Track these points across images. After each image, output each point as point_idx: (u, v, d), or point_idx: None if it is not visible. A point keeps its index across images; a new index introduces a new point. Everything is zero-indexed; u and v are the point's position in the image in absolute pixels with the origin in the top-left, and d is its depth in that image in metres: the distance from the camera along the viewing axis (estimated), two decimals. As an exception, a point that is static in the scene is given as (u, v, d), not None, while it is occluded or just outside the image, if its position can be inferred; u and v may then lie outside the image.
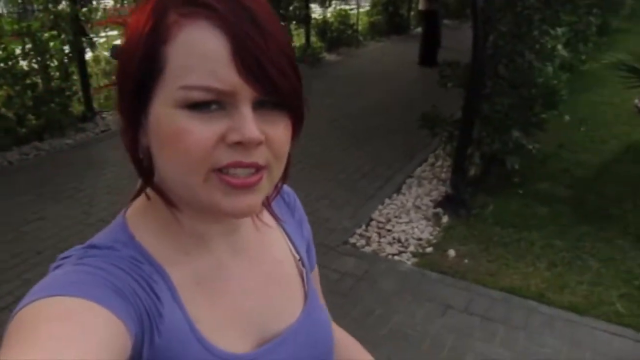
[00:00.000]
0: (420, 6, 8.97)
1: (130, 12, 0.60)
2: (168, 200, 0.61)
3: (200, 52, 0.53)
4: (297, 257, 0.79)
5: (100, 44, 6.61)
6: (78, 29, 5.86)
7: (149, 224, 0.64)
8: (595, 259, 3.58)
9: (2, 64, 5.24)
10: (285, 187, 0.82)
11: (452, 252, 3.68)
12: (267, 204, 0.74)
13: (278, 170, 0.61)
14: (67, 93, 5.88)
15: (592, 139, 5.88)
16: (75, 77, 6.07)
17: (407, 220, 4.12)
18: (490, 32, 3.89)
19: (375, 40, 11.76)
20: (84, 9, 5.95)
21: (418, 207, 4.33)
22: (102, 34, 6.92)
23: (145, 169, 0.61)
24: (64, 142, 5.63)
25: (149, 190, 0.63)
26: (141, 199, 0.65)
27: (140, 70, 0.55)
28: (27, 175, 4.87)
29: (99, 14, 6.16)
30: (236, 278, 0.68)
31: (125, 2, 6.43)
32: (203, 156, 0.54)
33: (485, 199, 4.37)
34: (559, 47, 5.14)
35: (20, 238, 3.77)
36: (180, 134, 0.54)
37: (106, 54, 6.63)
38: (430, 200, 4.41)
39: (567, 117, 4.78)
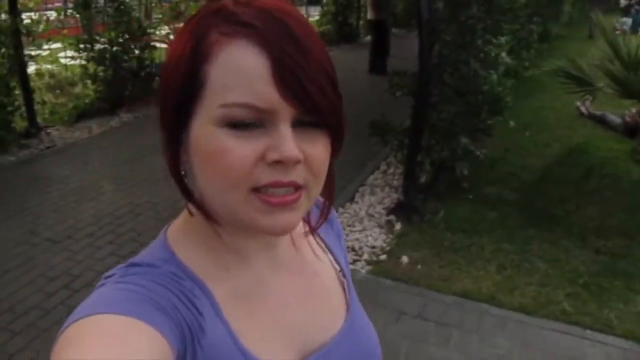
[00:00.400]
0: (369, 16, 9.11)
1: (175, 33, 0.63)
2: (209, 216, 0.62)
3: (240, 71, 0.53)
4: (338, 268, 0.80)
5: (42, 57, 6.41)
6: (19, 42, 5.67)
7: (189, 240, 0.65)
8: (542, 260, 3.70)
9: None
10: (321, 200, 0.82)
11: (405, 259, 3.73)
12: (314, 231, 0.75)
13: (316, 189, 0.61)
14: (9, 108, 5.66)
15: (536, 143, 6.09)
16: (17, 91, 5.86)
17: (360, 229, 4.15)
18: (435, 41, 3.98)
19: (325, 49, 11.85)
20: (26, 22, 5.78)
21: (371, 215, 4.37)
22: (45, 46, 6.72)
23: (186, 186, 0.62)
24: (7, 159, 5.42)
25: (190, 206, 0.64)
26: (181, 216, 0.67)
27: (182, 88, 0.56)
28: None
29: (41, 26, 5.98)
30: (276, 293, 0.69)
31: (69, 13, 6.26)
32: (243, 175, 0.55)
33: (436, 205, 4.46)
34: (503, 54, 5.31)
35: (-39, 261, 3.60)
36: (221, 153, 0.55)
37: (49, 66, 6.43)
38: (383, 208, 4.47)
39: (512, 123, 4.92)
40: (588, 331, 3.04)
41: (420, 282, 3.48)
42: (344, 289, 0.79)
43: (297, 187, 0.57)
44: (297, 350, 0.68)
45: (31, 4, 6.85)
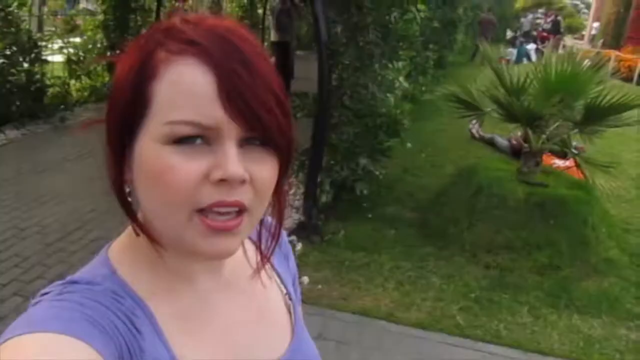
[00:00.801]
0: (272, 37, 9.18)
1: (122, 51, 0.62)
2: (151, 238, 0.60)
3: (185, 88, 0.54)
4: (284, 291, 0.79)
5: None
6: None
7: (131, 259, 0.63)
8: (437, 276, 3.84)
9: None
10: (270, 219, 0.79)
11: (306, 279, 3.73)
12: (267, 258, 0.73)
13: (260, 212, 0.60)
14: None
15: (433, 163, 6.38)
16: None
17: (262, 250, 4.11)
18: (334, 64, 4.08)
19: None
20: None
21: (273, 236, 4.34)
22: None
23: (130, 206, 0.61)
24: None
25: (135, 227, 0.62)
26: (124, 234, 0.65)
27: (127, 105, 0.56)
28: None
29: None
30: (221, 313, 0.68)
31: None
32: (186, 194, 0.54)
33: (337, 225, 4.52)
34: (401, 79, 5.55)
35: None
36: (165, 171, 0.54)
37: None
38: (285, 229, 4.45)
39: (409, 144, 5.13)
40: (479, 343, 3.19)
41: (321, 301, 3.48)
42: (289, 312, 0.78)
43: (241, 208, 0.56)
44: None
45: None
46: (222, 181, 0.54)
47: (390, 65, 4.19)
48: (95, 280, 0.59)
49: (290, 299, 0.79)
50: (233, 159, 0.54)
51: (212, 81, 0.53)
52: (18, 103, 6.49)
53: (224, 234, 0.57)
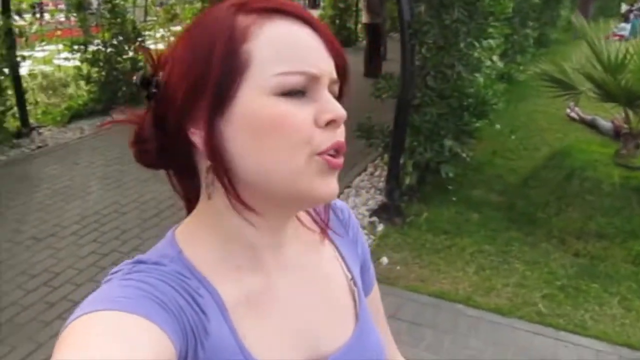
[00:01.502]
0: (364, 19, 9.14)
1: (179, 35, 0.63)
2: (243, 202, 0.61)
3: (288, 42, 0.58)
4: (349, 276, 0.78)
5: (36, 58, 6.46)
6: (12, 43, 5.72)
7: (198, 239, 0.64)
8: (521, 262, 3.71)
9: None
10: (339, 203, 0.83)
11: (385, 260, 3.75)
12: (320, 220, 0.76)
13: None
14: (1, 109, 5.71)
15: (526, 146, 6.10)
16: (10, 92, 5.91)
17: (343, 230, 4.17)
18: (417, 44, 4.01)
19: (323, 52, 11.91)
20: (20, 23, 5.83)
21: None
22: (38, 48, 6.77)
23: (231, 176, 0.60)
24: (-4, 158, 5.48)
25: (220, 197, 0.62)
26: (191, 215, 0.67)
27: (222, 71, 0.56)
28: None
29: (34, 27, 6.02)
30: (285, 296, 0.68)
31: (62, 15, 6.31)
32: (306, 137, 0.57)
33: (420, 207, 4.47)
34: (494, 58, 5.34)
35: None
36: (283, 118, 0.57)
37: (43, 67, 6.48)
38: (367, 210, 4.49)
39: (497, 126, 4.95)
40: (562, 332, 3.06)
41: (398, 282, 3.49)
42: (354, 299, 0.76)
43: (344, 149, 0.60)
44: (303, 356, 0.67)
45: (24, 5, 6.91)
46: (330, 123, 0.58)
47: (476, 44, 4.04)
48: (162, 261, 0.60)
49: (355, 284, 0.77)
50: (336, 102, 0.59)
51: (312, 34, 0.59)
52: (124, 89, 6.99)
53: (333, 172, 0.60)
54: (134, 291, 0.54)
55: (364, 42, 10.26)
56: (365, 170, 5.34)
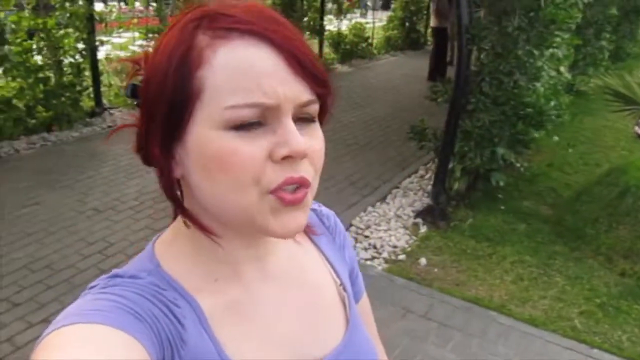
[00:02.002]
0: (432, 23, 9.11)
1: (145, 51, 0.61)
2: (203, 227, 0.61)
3: (242, 69, 0.53)
4: (338, 281, 0.76)
5: (113, 44, 6.85)
6: (92, 28, 6.11)
7: (176, 252, 0.64)
8: (562, 276, 3.65)
9: (17, 57, 5.50)
10: (325, 210, 0.83)
11: (423, 261, 3.78)
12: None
13: (316, 185, 0.60)
14: (78, 88, 6.12)
15: (587, 161, 5.93)
16: (87, 73, 6.31)
17: (385, 228, 4.23)
18: (474, 50, 4.01)
19: (390, 54, 11.91)
20: (100, 9, 6.22)
21: (399, 217, 4.43)
22: (116, 34, 7.17)
23: (180, 200, 0.61)
24: (71, 135, 5.87)
25: (184, 219, 0.63)
26: (170, 228, 0.66)
27: (174, 97, 0.54)
28: (31, 163, 5.11)
29: (114, 15, 6.40)
30: (268, 304, 0.67)
31: (139, 3, 6.67)
32: (254, 175, 0.54)
33: (466, 213, 4.46)
34: (562, 69, 5.23)
35: (14, 221, 3.97)
36: (230, 156, 0.54)
37: (119, 53, 6.87)
38: (412, 211, 4.52)
39: (555, 138, 4.84)
40: (595, 350, 3.00)
41: (433, 284, 3.52)
42: (344, 304, 0.75)
43: (306, 183, 0.57)
44: None
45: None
46: (287, 158, 0.54)
47: (535, 52, 3.98)
48: (139, 275, 0.60)
49: (345, 290, 0.76)
50: (295, 134, 0.54)
51: (271, 52, 0.53)
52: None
53: (293, 208, 0.57)
54: (108, 304, 0.54)
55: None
56: (416, 172, 5.37)
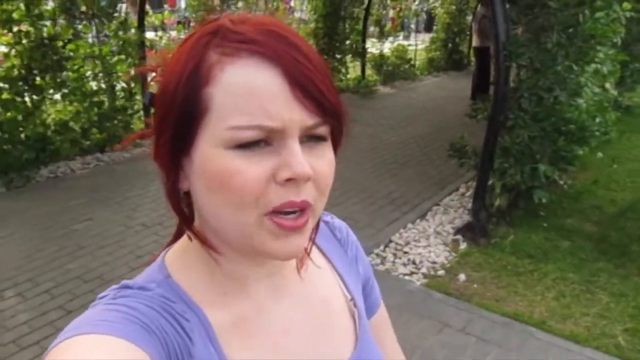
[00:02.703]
0: (474, 43, 9.11)
1: (163, 55, 0.61)
2: (207, 243, 0.61)
3: (247, 90, 0.52)
4: (349, 296, 0.76)
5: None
6: (143, 54, 6.43)
7: (187, 264, 0.64)
8: (606, 293, 3.57)
9: (74, 83, 5.85)
10: (337, 222, 0.82)
11: (462, 277, 3.77)
12: (312, 240, 0.70)
13: (321, 207, 0.60)
14: (130, 112, 6.43)
15: (634, 179, 5.77)
16: (138, 97, 6.62)
17: (425, 245, 4.25)
18: (513, 66, 4.03)
19: (432, 75, 11.95)
20: (151, 37, 6.54)
21: (439, 233, 4.44)
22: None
23: (185, 214, 0.62)
24: (123, 155, 6.15)
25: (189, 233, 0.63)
26: (181, 240, 0.66)
27: (182, 113, 0.54)
28: (85, 182, 5.39)
29: (163, 41, 6.72)
30: (276, 319, 0.66)
31: (187, 31, 6.96)
32: (255, 197, 0.54)
33: (507, 230, 4.43)
34: (607, 85, 5.16)
35: (69, 235, 4.20)
36: (231, 175, 0.53)
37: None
38: (452, 228, 4.52)
39: (599, 154, 4.77)
40: (640, 368, 2.93)
41: (472, 299, 3.51)
42: (354, 320, 0.75)
43: (306, 207, 0.57)
44: None
45: (156, 22, 7.71)
46: (289, 180, 0.54)
47: (575, 67, 3.97)
48: (148, 286, 0.60)
49: (355, 305, 0.75)
50: (299, 157, 0.53)
51: (277, 76, 0.53)
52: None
53: (293, 233, 0.56)
54: (118, 314, 0.54)
55: (475, 66, 10.18)
56: (457, 190, 5.36)
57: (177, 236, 0.68)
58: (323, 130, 0.56)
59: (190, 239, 0.63)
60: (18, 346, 2.93)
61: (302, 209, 0.56)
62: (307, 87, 0.53)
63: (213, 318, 0.61)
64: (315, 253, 0.75)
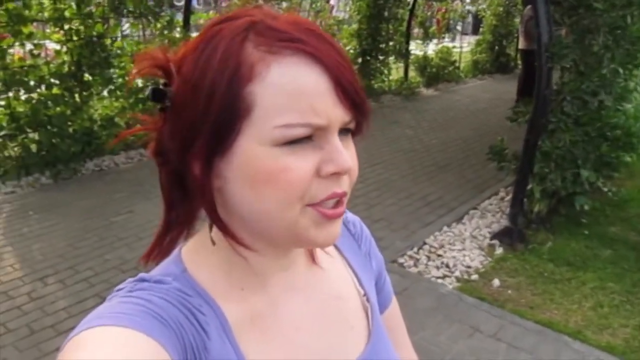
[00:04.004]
0: (520, 45, 8.89)
1: (184, 47, 0.59)
2: (238, 240, 0.61)
3: (294, 88, 0.53)
4: (362, 292, 0.77)
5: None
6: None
7: (203, 259, 0.64)
8: (648, 305, 3.45)
9: (120, 80, 6.03)
10: (351, 217, 0.83)
11: (496, 282, 3.70)
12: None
13: (348, 197, 0.62)
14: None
15: (685, 188, 5.54)
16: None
17: (460, 248, 4.19)
18: (554, 68, 3.93)
19: (477, 78, 11.74)
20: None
21: (474, 237, 4.37)
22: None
23: (218, 214, 0.60)
24: (163, 152, 6.29)
25: (214, 233, 0.63)
26: (198, 234, 0.66)
27: (223, 113, 0.54)
28: (128, 175, 5.55)
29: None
30: (291, 314, 0.67)
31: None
32: (303, 192, 0.55)
33: (546, 236, 4.32)
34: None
35: (109, 227, 4.34)
36: (280, 172, 0.54)
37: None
38: (489, 232, 4.44)
39: (645, 161, 4.60)
40: (680, 384, 2.81)
41: (506, 305, 3.44)
42: (367, 315, 0.75)
43: (344, 197, 0.59)
44: None
45: (201, 21, 7.86)
46: (334, 174, 0.56)
47: (621, 71, 3.84)
48: (164, 279, 0.60)
49: (368, 300, 0.76)
50: (343, 152, 0.56)
51: (322, 75, 0.54)
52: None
53: (333, 221, 0.59)
54: (134, 307, 0.54)
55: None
56: (496, 194, 5.26)
57: (163, 233, 0.65)
58: (352, 124, 0.59)
59: (213, 243, 0.63)
60: (56, 331, 3.04)
61: (341, 198, 0.59)
62: (347, 86, 0.55)
63: (229, 312, 0.62)
64: (329, 248, 0.75)
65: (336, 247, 0.77)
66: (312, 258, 0.73)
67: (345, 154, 0.56)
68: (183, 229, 0.65)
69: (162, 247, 0.66)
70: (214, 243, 0.63)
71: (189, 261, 0.64)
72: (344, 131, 0.58)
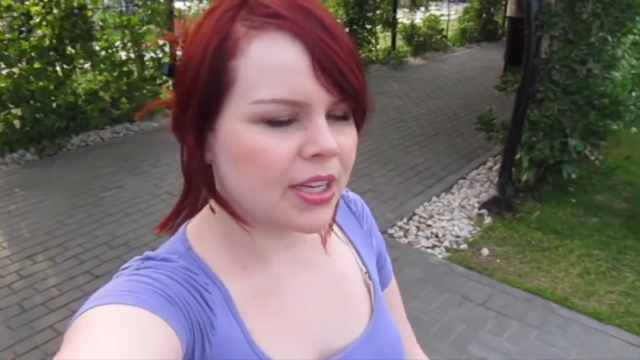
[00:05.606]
0: (508, 12, 8.83)
1: (184, 25, 0.60)
2: (234, 214, 0.61)
3: (273, 64, 0.52)
4: (364, 269, 0.77)
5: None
6: (172, 25, 6.44)
7: (208, 236, 0.65)
8: (633, 272, 3.50)
9: (103, 52, 5.91)
10: (352, 195, 0.83)
11: (485, 251, 3.74)
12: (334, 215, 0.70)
13: (344, 182, 0.61)
14: (159, 81, 6.47)
15: (672, 156, 5.59)
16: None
17: (449, 218, 4.22)
18: (543, 37, 3.90)
19: (465, 46, 11.67)
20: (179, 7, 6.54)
21: (463, 207, 4.40)
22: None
23: (215, 187, 0.61)
24: (151, 125, 6.23)
25: (213, 205, 0.63)
26: (202, 212, 0.66)
27: (208, 86, 0.54)
28: (115, 150, 5.49)
29: (192, 12, 6.70)
30: (295, 292, 0.68)
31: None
32: (281, 173, 0.54)
33: (534, 205, 4.36)
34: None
35: (98, 202, 4.31)
36: (258, 151, 0.54)
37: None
38: (478, 202, 4.47)
39: (633, 129, 4.61)
40: (664, 347, 2.88)
41: (495, 274, 3.49)
42: (369, 292, 0.76)
43: (332, 181, 0.57)
44: (313, 352, 0.67)
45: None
46: (316, 156, 0.54)
47: (609, 39, 3.82)
48: (170, 257, 0.60)
49: (370, 278, 0.77)
50: (326, 133, 0.54)
51: (301, 52, 0.52)
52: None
53: (319, 206, 0.57)
54: (141, 285, 0.54)
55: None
56: (484, 164, 5.28)
57: (178, 210, 0.68)
58: (344, 109, 0.57)
59: (213, 211, 0.64)
60: (47, 308, 3.04)
61: (328, 182, 0.57)
62: (328, 66, 0.53)
63: (234, 290, 0.62)
64: (333, 225, 0.75)
65: (339, 226, 0.78)
66: (323, 240, 0.73)
67: (329, 135, 0.54)
68: (197, 205, 0.67)
69: (175, 222, 0.68)
70: (213, 211, 0.63)
71: (193, 239, 0.64)
72: (340, 118, 0.57)
